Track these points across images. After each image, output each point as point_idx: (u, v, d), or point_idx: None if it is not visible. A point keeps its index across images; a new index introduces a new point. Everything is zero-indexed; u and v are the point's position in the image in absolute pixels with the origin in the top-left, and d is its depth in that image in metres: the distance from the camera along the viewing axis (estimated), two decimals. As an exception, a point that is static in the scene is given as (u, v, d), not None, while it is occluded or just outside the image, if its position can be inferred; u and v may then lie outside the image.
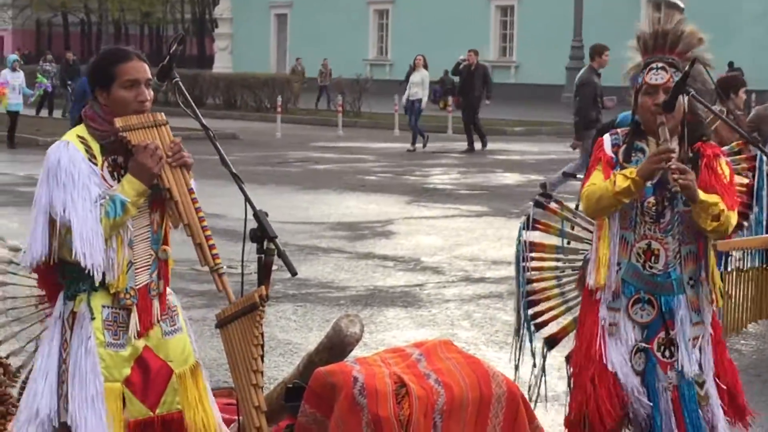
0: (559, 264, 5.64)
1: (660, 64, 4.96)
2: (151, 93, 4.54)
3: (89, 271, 4.37)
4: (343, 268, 12.35)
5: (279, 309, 10.17)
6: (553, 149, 27.38)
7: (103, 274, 4.41)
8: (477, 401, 5.33)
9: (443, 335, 9.03)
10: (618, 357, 5.00)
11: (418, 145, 27.09)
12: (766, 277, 7.94)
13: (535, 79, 48.35)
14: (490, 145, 27.41)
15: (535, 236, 5.70)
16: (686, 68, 4.95)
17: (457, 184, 20.63)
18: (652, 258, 4.98)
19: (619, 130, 5.12)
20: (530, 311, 5.70)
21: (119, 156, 4.50)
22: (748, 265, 7.87)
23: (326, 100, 44.36)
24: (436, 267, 12.48)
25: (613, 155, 5.00)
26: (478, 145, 26.92)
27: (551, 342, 5.75)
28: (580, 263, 5.56)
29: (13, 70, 28.08)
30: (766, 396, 7.82)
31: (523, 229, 5.62)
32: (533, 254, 5.66)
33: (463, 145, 27.35)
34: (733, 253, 7.70)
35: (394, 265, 12.62)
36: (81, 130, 4.52)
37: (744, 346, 9.26)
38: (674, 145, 4.95)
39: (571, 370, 5.21)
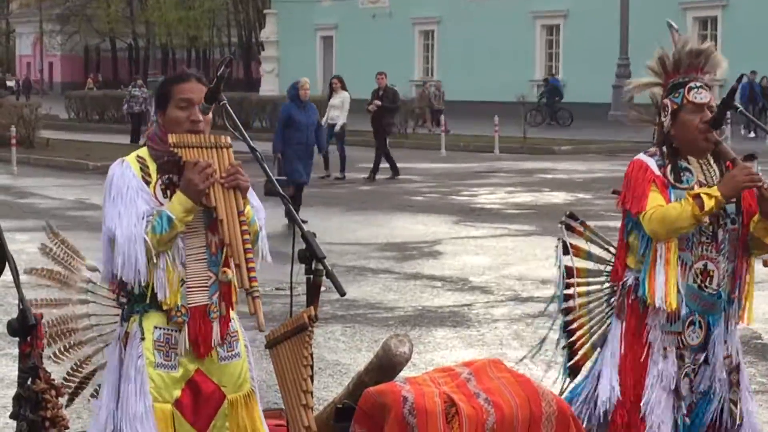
0: (590, 288, 5.57)
1: (699, 84, 4.94)
2: (209, 116, 4.59)
3: (132, 287, 4.42)
4: (391, 289, 12.35)
5: (328, 330, 10.18)
6: (600, 167, 27.29)
7: (155, 294, 4.45)
8: (527, 420, 5.31)
9: (492, 355, 9.00)
10: (664, 386, 4.97)
11: (336, 174, 25.56)
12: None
13: (582, 98, 48.23)
14: (538, 164, 27.31)
15: (567, 260, 5.63)
16: (734, 84, 4.95)
17: (504, 204, 20.60)
18: (708, 279, 4.95)
19: (652, 150, 5.05)
20: (569, 341, 5.65)
21: (174, 175, 4.55)
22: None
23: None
24: (484, 287, 12.46)
25: (662, 176, 4.96)
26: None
27: (575, 370, 5.66)
28: (605, 286, 5.48)
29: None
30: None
31: (560, 254, 5.55)
32: (571, 280, 5.58)
33: (509, 164, 27.27)
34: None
35: (442, 285, 12.61)
36: (143, 150, 4.62)
37: None
38: (714, 165, 4.95)
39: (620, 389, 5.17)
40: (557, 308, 5.58)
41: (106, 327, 5.01)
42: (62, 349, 4.96)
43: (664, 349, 4.98)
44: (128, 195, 4.45)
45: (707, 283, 4.95)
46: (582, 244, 5.60)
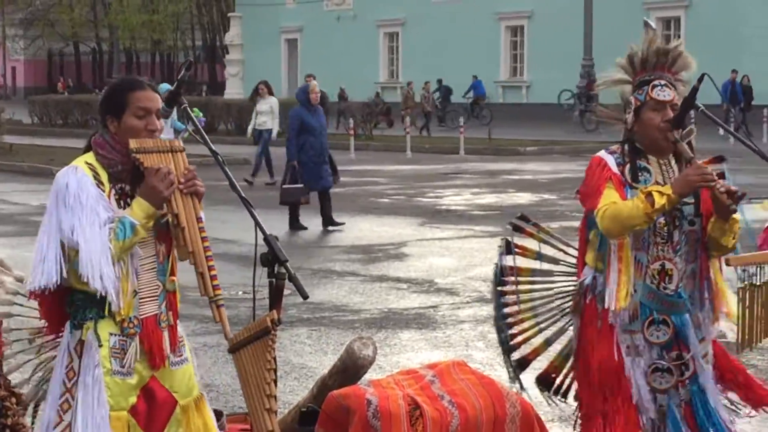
0: (535, 287, 5.59)
1: (663, 82, 4.95)
2: (162, 123, 4.55)
3: (99, 295, 4.37)
4: (357, 291, 12.34)
5: (293, 333, 10.16)
6: (565, 168, 27.36)
7: (109, 302, 4.42)
8: (491, 422, 5.32)
9: (458, 356, 9.00)
10: (640, 380, 4.98)
11: (264, 179, 24.55)
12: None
13: (547, 98, 48.38)
14: (503, 165, 27.34)
15: (512, 259, 5.65)
16: (695, 84, 4.96)
17: (469, 205, 20.62)
18: (666, 279, 4.95)
19: (614, 148, 5.06)
20: (506, 334, 5.67)
21: (126, 184, 4.51)
22: (763, 279, 7.84)
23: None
24: (450, 288, 12.46)
25: (620, 174, 4.96)
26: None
27: (522, 364, 5.69)
28: (556, 285, 5.52)
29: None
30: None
31: (503, 254, 5.58)
32: (510, 278, 5.61)
33: (474, 165, 27.31)
34: (747, 268, 7.67)
35: (408, 287, 12.61)
36: (89, 157, 4.54)
37: (760, 361, 9.22)
38: (674, 165, 4.96)
39: (579, 400, 5.18)
40: (494, 306, 5.63)
41: (31, 341, 4.94)
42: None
43: (627, 347, 4.99)
44: (88, 203, 4.38)
45: (666, 283, 4.95)
46: (533, 245, 5.61)
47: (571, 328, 5.34)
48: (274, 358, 4.38)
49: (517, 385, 5.72)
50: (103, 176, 4.51)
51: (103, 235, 4.36)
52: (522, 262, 5.65)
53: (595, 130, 39.35)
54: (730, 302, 5.17)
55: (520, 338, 5.67)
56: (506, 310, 5.59)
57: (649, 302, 4.96)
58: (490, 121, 44.37)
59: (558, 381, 5.56)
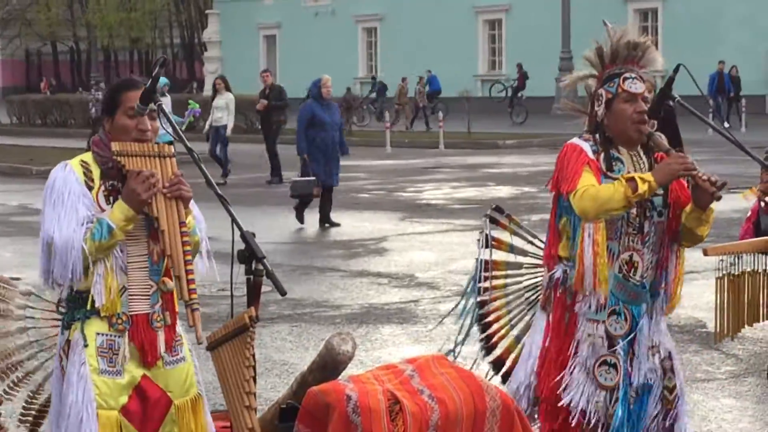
0: (508, 281, 5.58)
1: (634, 75, 4.96)
2: (156, 124, 4.56)
3: (74, 293, 4.42)
4: (337, 287, 12.33)
5: (274, 329, 10.15)
6: (545, 161, 27.38)
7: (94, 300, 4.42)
8: (471, 415, 5.32)
9: (440, 351, 9.00)
10: (582, 375, 4.97)
11: (230, 177, 24.48)
12: (757, 281, 7.94)
13: (526, 92, 48.41)
14: (482, 159, 27.37)
15: (489, 253, 5.64)
16: (671, 74, 4.98)
17: (449, 199, 20.63)
18: (632, 270, 4.97)
19: (587, 136, 5.06)
20: (483, 335, 5.67)
21: (118, 182, 4.52)
22: (740, 269, 7.87)
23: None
24: (431, 282, 12.47)
25: (596, 161, 4.97)
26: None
27: (498, 365, 5.68)
28: (525, 278, 5.51)
29: (162, 95, 24.56)
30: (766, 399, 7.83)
31: (481, 247, 5.57)
32: (488, 273, 5.59)
33: (453, 159, 27.31)
34: (724, 258, 7.70)
35: (389, 281, 12.61)
36: (86, 155, 4.59)
37: (741, 350, 9.25)
38: (644, 157, 4.97)
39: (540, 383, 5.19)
40: (472, 302, 5.60)
41: (52, 350, 4.98)
42: (12, 385, 4.95)
43: (588, 335, 4.98)
44: (69, 200, 4.42)
45: (632, 274, 4.96)
46: (505, 237, 5.61)
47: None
48: (253, 355, 4.39)
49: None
50: (96, 173, 4.54)
51: (79, 233, 4.38)
52: (498, 255, 5.66)
53: (524, 123, 39.75)
54: (677, 293, 5.16)
55: (496, 337, 5.66)
56: (481, 310, 5.58)
57: (617, 292, 4.97)
58: (445, 116, 44.50)
59: (508, 364, 5.54)
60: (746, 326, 8.34)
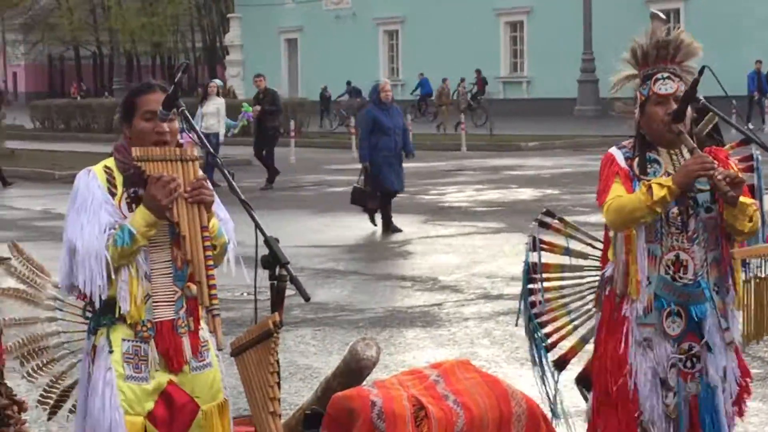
0: (564, 283, 5.58)
1: (666, 74, 4.93)
2: (176, 125, 4.54)
3: (92, 297, 4.42)
4: (361, 290, 12.32)
5: (298, 334, 10.14)
6: (567, 162, 27.33)
7: (119, 306, 4.42)
8: (497, 421, 5.29)
9: (463, 354, 8.98)
10: (647, 376, 4.95)
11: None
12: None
13: (547, 94, 48.34)
14: (505, 161, 27.31)
15: (541, 256, 5.64)
16: (696, 76, 4.95)
17: (472, 202, 20.60)
18: (681, 269, 4.93)
19: (625, 143, 5.06)
20: (542, 331, 5.65)
21: (140, 188, 4.51)
22: (766, 272, 7.80)
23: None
24: (455, 285, 12.44)
25: (628, 168, 4.96)
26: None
27: (560, 364, 5.68)
28: (586, 280, 5.51)
29: (217, 95, 24.12)
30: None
31: (530, 250, 5.57)
32: (539, 275, 5.60)
33: (476, 162, 27.24)
34: (751, 260, 7.63)
35: (412, 285, 12.59)
36: (110, 161, 4.58)
37: (767, 353, 9.19)
38: (686, 153, 4.93)
39: (592, 391, 5.16)
40: (523, 304, 5.59)
41: (77, 343, 4.99)
42: (36, 368, 4.95)
43: (644, 340, 4.95)
44: (92, 206, 4.42)
45: (681, 274, 4.93)
46: (560, 240, 5.60)
47: None
48: (277, 361, 4.36)
49: (553, 386, 5.67)
50: (119, 180, 4.54)
51: (100, 240, 4.37)
52: (550, 258, 5.64)
53: (484, 125, 39.64)
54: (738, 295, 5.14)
55: (555, 337, 5.64)
56: (535, 310, 5.57)
57: (665, 294, 4.94)
58: (434, 119, 44.54)
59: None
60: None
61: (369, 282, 12.84)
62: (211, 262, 4.41)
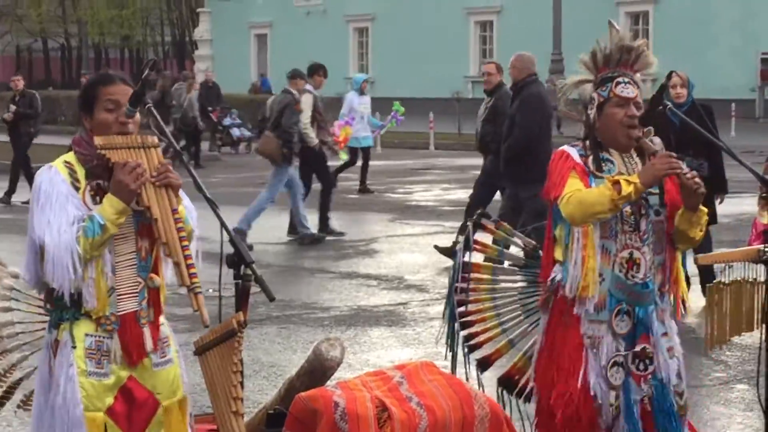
0: (496, 285, 5.60)
1: (626, 79, 4.98)
2: (137, 116, 4.53)
3: (61, 294, 4.38)
4: (326, 288, 12.30)
5: (262, 331, 10.12)
6: (535, 163, 27.35)
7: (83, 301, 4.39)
8: (460, 423, 5.29)
9: (428, 354, 8.98)
10: (597, 376, 4.96)
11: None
12: (748, 290, 7.91)
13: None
14: (473, 161, 27.24)
15: (472, 256, 5.66)
16: (663, 82, 4.99)
17: (439, 201, 20.61)
18: (634, 267, 4.96)
19: (577, 143, 5.07)
20: (464, 332, 5.67)
21: (103, 180, 4.49)
22: (730, 278, 7.85)
23: None
24: (420, 285, 12.44)
25: (583, 164, 4.97)
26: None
27: (484, 364, 5.70)
28: (518, 285, 5.53)
29: (361, 93, 21.48)
30: (756, 405, 7.80)
31: (461, 250, 5.59)
32: (469, 275, 5.61)
33: (444, 161, 27.17)
34: (715, 266, 7.68)
35: (378, 283, 12.58)
36: (69, 155, 4.55)
37: (729, 357, 9.23)
38: (636, 159, 4.98)
39: (536, 389, 5.17)
40: (450, 304, 5.63)
41: (33, 333, 4.96)
42: None
43: (590, 338, 4.97)
44: (58, 201, 4.39)
45: (634, 272, 4.95)
46: (492, 242, 5.63)
47: (536, 329, 5.33)
48: (241, 360, 4.36)
49: (476, 384, 5.70)
50: (80, 173, 4.51)
51: (70, 234, 4.35)
52: (482, 259, 5.67)
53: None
54: (678, 302, 5.16)
55: (482, 337, 5.66)
56: (461, 309, 5.59)
57: (617, 292, 4.96)
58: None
59: (521, 383, 5.56)
60: (735, 336, 8.31)
61: (334, 280, 12.82)
62: (186, 243, 4.40)
